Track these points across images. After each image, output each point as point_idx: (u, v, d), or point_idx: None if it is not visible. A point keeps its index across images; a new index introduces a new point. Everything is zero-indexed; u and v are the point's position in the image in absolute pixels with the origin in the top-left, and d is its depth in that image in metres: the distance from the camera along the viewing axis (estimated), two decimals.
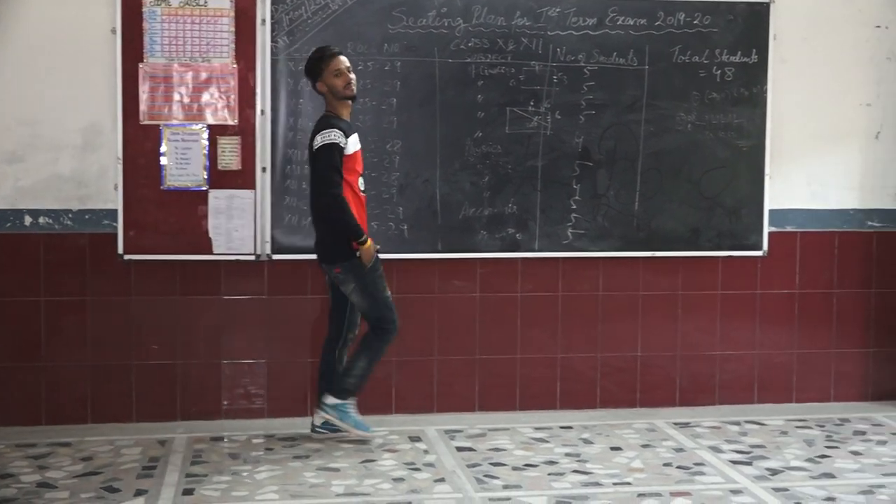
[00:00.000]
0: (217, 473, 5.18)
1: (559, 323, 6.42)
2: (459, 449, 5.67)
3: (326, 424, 5.67)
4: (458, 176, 6.20)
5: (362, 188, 5.62)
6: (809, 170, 6.66)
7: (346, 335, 5.77)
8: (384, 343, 5.68)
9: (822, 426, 6.23)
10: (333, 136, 5.40)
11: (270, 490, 4.94)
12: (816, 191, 6.68)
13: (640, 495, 4.93)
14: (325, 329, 6.17)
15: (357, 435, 5.63)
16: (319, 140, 5.42)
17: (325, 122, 5.50)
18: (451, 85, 6.15)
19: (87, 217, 5.93)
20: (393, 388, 6.31)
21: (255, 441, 5.76)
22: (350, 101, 5.59)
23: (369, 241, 5.48)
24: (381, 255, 6.04)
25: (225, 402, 6.15)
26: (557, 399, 6.47)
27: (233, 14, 5.93)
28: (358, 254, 5.47)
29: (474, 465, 5.37)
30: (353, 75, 5.53)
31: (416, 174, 6.18)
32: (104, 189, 5.93)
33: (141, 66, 5.87)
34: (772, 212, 6.56)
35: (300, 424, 6.04)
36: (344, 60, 5.51)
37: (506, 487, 5.03)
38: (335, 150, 5.40)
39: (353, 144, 5.51)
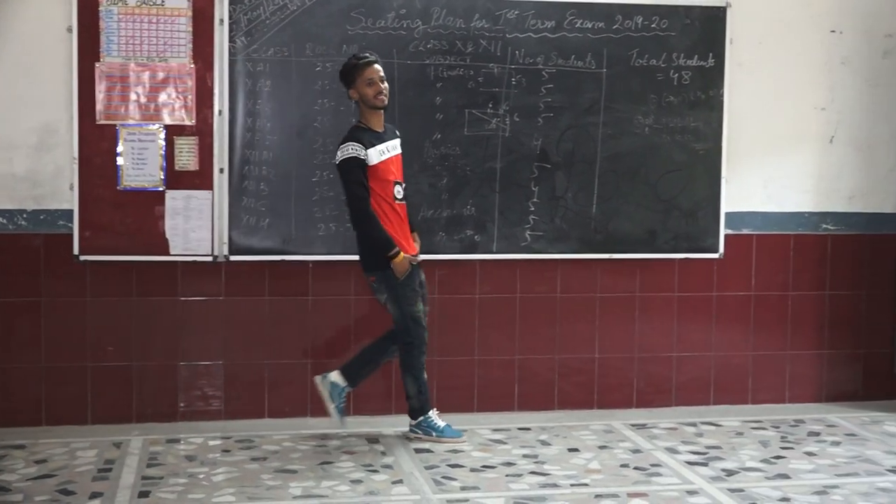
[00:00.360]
0: (173, 476, 5.16)
1: (517, 325, 6.44)
2: (417, 451, 5.67)
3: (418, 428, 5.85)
4: (416, 177, 6.17)
5: (399, 196, 5.62)
6: (765, 173, 6.71)
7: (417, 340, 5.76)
8: (412, 358, 5.71)
9: (777, 427, 6.28)
10: (350, 149, 5.42)
11: (227, 492, 4.92)
12: (772, 194, 6.72)
13: (598, 496, 4.95)
14: (281, 330, 6.24)
15: (450, 443, 5.74)
16: (339, 155, 5.48)
17: (347, 135, 5.54)
18: (410, 86, 6.14)
19: (41, 217, 5.88)
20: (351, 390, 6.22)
21: (211, 443, 5.73)
22: (381, 111, 5.60)
23: (401, 255, 5.48)
24: (342, 257, 6.15)
25: (181, 404, 6.12)
26: (515, 401, 6.48)
27: (190, 14, 5.91)
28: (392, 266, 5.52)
29: (432, 467, 5.37)
30: (385, 85, 5.55)
31: None
32: (59, 189, 5.88)
33: (97, 65, 5.83)
34: (728, 214, 6.59)
35: (257, 426, 6.06)
36: (378, 70, 5.54)
37: (464, 489, 5.03)
38: (353, 164, 5.42)
39: (377, 155, 5.49)
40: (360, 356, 5.83)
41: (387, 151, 5.56)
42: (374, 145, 5.48)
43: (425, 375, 5.77)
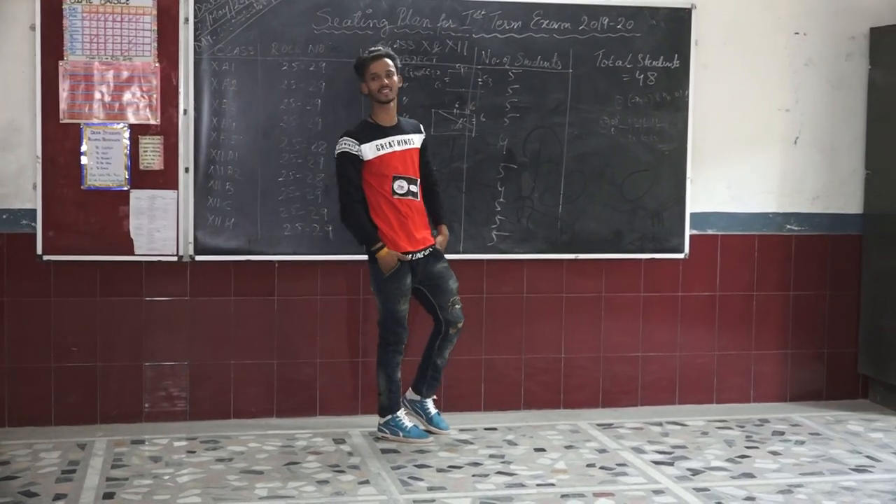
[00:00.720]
0: (138, 477, 5.13)
1: (483, 325, 6.43)
2: (384, 451, 5.66)
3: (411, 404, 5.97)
4: None
5: (400, 192, 5.61)
6: (730, 174, 6.74)
7: (446, 329, 5.82)
8: (387, 355, 5.75)
9: (742, 426, 6.31)
10: (344, 144, 5.54)
11: (193, 493, 4.91)
12: (736, 194, 6.75)
13: (564, 496, 4.96)
14: (247, 330, 6.24)
15: (413, 444, 5.74)
16: (336, 148, 5.61)
17: (349, 129, 5.66)
18: None
19: (4, 217, 5.84)
20: (317, 390, 6.31)
21: (176, 444, 5.70)
22: (388, 105, 5.63)
23: (385, 250, 5.54)
24: (309, 257, 6.18)
25: (146, 405, 6.09)
26: (482, 400, 6.48)
27: (155, 12, 5.88)
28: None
29: (399, 467, 5.37)
30: (391, 80, 5.58)
31: None
32: (22, 188, 5.84)
33: (61, 63, 5.80)
34: (693, 215, 6.61)
35: (223, 427, 6.05)
36: (386, 64, 5.58)
37: (430, 489, 5.05)
38: (345, 158, 5.53)
39: (373, 150, 5.55)
40: (420, 370, 5.93)
41: (388, 146, 5.59)
42: (373, 140, 5.55)
43: (398, 375, 5.79)
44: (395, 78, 5.61)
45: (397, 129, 5.68)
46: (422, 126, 5.88)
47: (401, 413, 5.81)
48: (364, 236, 5.60)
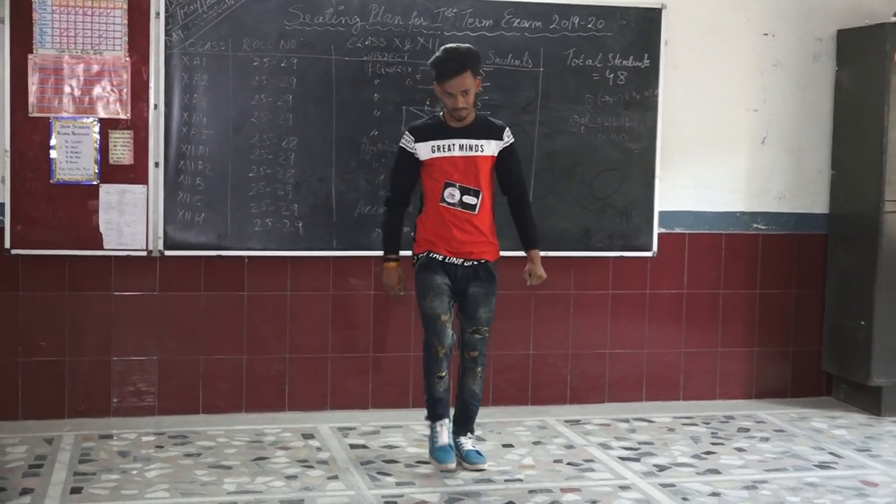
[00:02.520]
0: (106, 472, 5.12)
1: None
2: (353, 446, 5.67)
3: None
4: (353, 174, 6.19)
5: (451, 201, 5.09)
6: (698, 173, 6.78)
7: (461, 354, 5.29)
8: (424, 358, 5.23)
9: (708, 423, 6.37)
10: (403, 138, 5.20)
11: (161, 488, 4.91)
12: (704, 193, 6.79)
13: (531, 491, 4.98)
14: (216, 325, 6.22)
15: (432, 462, 5.25)
16: None
17: (413, 123, 5.40)
18: (348, 83, 6.13)
19: None
20: (286, 385, 6.31)
21: (145, 439, 5.69)
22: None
23: (390, 265, 5.21)
24: (278, 252, 6.14)
25: (114, 400, 6.07)
26: (451, 396, 6.39)
27: (126, 6, 5.86)
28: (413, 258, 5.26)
29: (367, 463, 5.38)
30: (468, 98, 5.05)
31: (312, 171, 6.15)
32: None
33: (30, 56, 5.76)
34: (661, 213, 6.63)
35: (191, 422, 6.05)
36: (462, 82, 4.99)
37: (399, 485, 5.06)
38: (399, 152, 5.21)
39: (428, 150, 5.10)
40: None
41: (446, 150, 5.10)
42: (432, 139, 5.12)
43: (441, 386, 5.23)
44: (472, 92, 5.06)
45: (466, 132, 5.14)
46: (508, 131, 5.27)
47: (440, 425, 5.24)
48: (384, 241, 5.27)
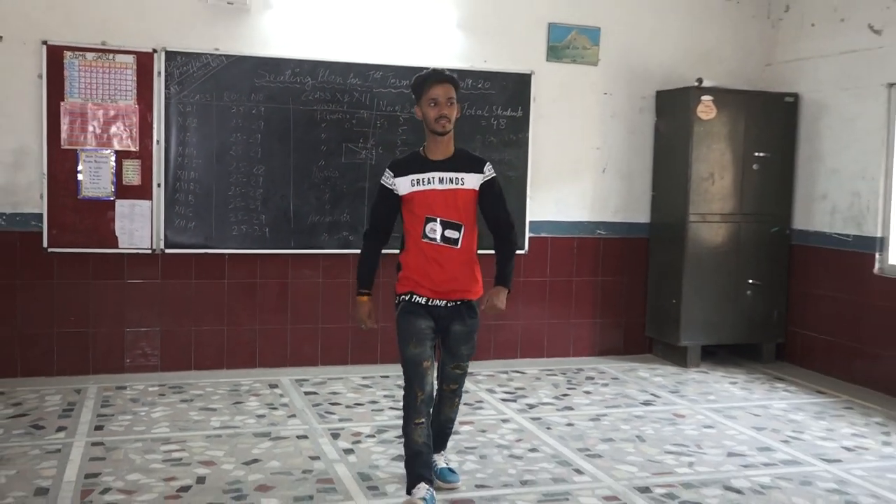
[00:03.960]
0: (122, 413, 5.16)
1: (380, 300, 5.93)
2: (307, 393, 5.72)
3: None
4: (306, 193, 6.22)
5: (431, 236, 3.76)
6: (557, 193, 6.86)
7: (440, 385, 4.06)
8: (404, 406, 3.85)
9: (564, 374, 6.50)
10: (383, 175, 3.86)
11: (163, 425, 4.97)
12: (561, 208, 6.88)
13: None
14: (204, 304, 6.17)
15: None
16: None
17: (393, 159, 4.00)
18: (302, 126, 6.18)
19: (17, 219, 5.81)
20: (256, 348, 6.33)
21: (150, 389, 5.72)
22: (443, 137, 3.78)
23: (361, 299, 3.91)
24: (250, 251, 6.10)
25: (127, 360, 6.10)
26: (378, 355, 6.51)
27: (135, 67, 5.89)
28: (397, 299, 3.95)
29: (317, 405, 5.44)
30: (451, 109, 3.75)
31: (275, 191, 6.18)
32: (32, 198, 5.80)
33: (62, 104, 5.80)
34: (531, 222, 6.76)
35: (185, 376, 6.06)
36: (448, 89, 3.75)
37: (341, 420, 5.14)
38: (379, 189, 3.87)
39: (408, 184, 3.78)
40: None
41: (426, 183, 3.77)
42: (411, 173, 3.79)
43: (417, 439, 3.79)
44: (455, 108, 3.77)
45: (446, 165, 3.79)
46: (489, 166, 3.89)
47: (417, 490, 3.74)
48: (358, 276, 3.95)
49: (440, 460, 4.16)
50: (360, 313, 3.92)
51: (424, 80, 3.76)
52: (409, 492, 3.79)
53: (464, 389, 4.16)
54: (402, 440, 3.90)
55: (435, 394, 4.01)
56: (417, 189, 3.76)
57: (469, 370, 4.17)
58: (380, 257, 3.96)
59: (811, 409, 5.77)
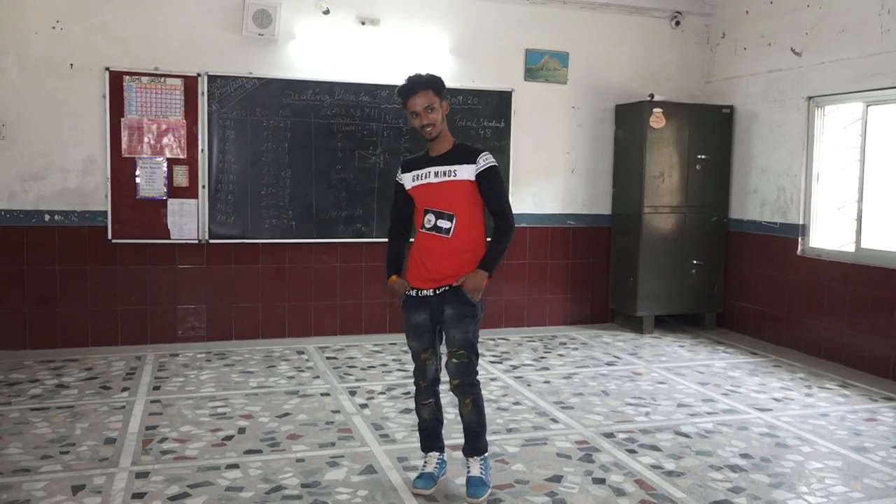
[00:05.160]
0: (175, 376, 5.18)
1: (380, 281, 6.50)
2: (328, 358, 5.71)
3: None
4: (326, 192, 6.18)
5: (427, 226, 3.37)
6: (534, 190, 6.83)
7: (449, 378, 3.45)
8: (414, 385, 3.53)
9: (541, 340, 6.49)
10: (397, 174, 3.51)
11: (210, 385, 4.99)
12: (538, 203, 6.86)
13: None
14: (242, 285, 6.13)
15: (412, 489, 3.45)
16: None
17: (405, 157, 3.68)
18: (321, 136, 6.15)
19: (87, 216, 5.81)
20: (286, 321, 6.29)
21: (198, 356, 5.73)
22: (432, 140, 3.40)
23: (392, 279, 3.43)
24: (279, 241, 6.06)
25: (179, 332, 6.09)
26: (387, 326, 6.50)
27: (182, 88, 5.87)
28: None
29: (337, 368, 5.44)
30: (432, 115, 3.32)
31: (300, 190, 6.14)
32: (98, 198, 5.80)
33: (122, 119, 5.78)
34: (516, 214, 6.69)
35: (228, 345, 6.04)
36: (421, 100, 3.31)
37: (357, 380, 5.15)
38: (394, 186, 3.51)
39: (410, 179, 3.42)
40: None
41: (423, 178, 3.40)
42: (413, 170, 3.43)
43: (425, 414, 3.50)
44: (438, 111, 3.34)
45: (442, 160, 3.38)
46: (484, 156, 3.38)
47: (427, 457, 3.53)
48: (387, 266, 3.50)
49: (474, 467, 3.44)
50: (395, 290, 3.43)
51: (401, 93, 3.37)
52: (423, 450, 3.57)
53: (473, 385, 3.38)
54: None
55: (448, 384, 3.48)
56: (417, 184, 3.41)
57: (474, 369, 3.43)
58: (404, 247, 3.52)
59: (746, 368, 5.78)
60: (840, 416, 4.63)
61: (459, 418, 3.47)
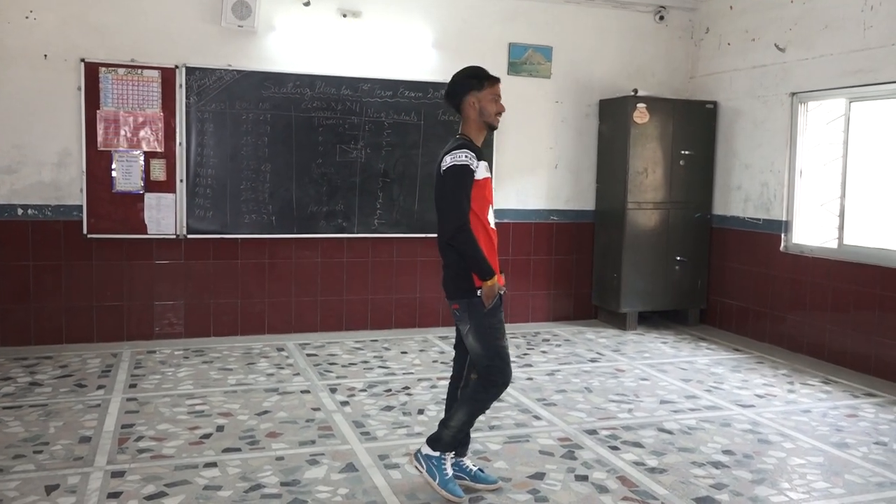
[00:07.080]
0: (152, 374, 5.15)
1: (369, 277, 6.47)
2: (308, 355, 5.70)
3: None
4: (307, 186, 6.16)
5: (492, 222, 3.21)
6: (518, 185, 6.85)
7: (467, 375, 3.38)
8: (490, 396, 3.22)
9: (524, 336, 6.49)
10: (464, 157, 3.06)
11: (188, 383, 4.97)
12: (522, 198, 6.87)
13: (419, 379, 5.12)
14: (221, 281, 6.10)
15: (442, 495, 3.25)
16: (449, 160, 3.08)
17: (457, 144, 3.15)
18: (302, 130, 6.11)
19: (61, 210, 5.75)
20: (266, 317, 6.28)
21: (176, 353, 5.70)
22: (492, 131, 3.28)
23: (493, 280, 3.13)
24: (259, 235, 6.04)
25: (156, 328, 6.05)
26: (368, 323, 6.51)
27: (160, 80, 5.82)
28: (479, 292, 3.14)
29: (318, 365, 5.44)
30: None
31: (280, 185, 6.11)
32: (73, 192, 5.74)
33: (98, 112, 5.73)
34: (496, 210, 6.51)
35: (206, 341, 6.01)
36: (500, 88, 3.26)
37: (338, 377, 5.14)
38: (466, 172, 3.05)
39: (483, 169, 3.11)
40: (443, 419, 3.34)
41: (487, 171, 3.15)
42: (482, 159, 3.14)
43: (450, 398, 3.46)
44: None
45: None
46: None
47: (448, 458, 3.33)
48: (483, 265, 3.10)
49: (471, 464, 3.46)
50: (496, 291, 3.14)
51: (488, 75, 3.18)
52: (444, 451, 3.34)
53: (473, 390, 3.25)
54: (466, 412, 3.28)
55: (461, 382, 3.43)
56: (487, 175, 3.13)
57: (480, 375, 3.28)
58: None
59: (729, 364, 5.81)
60: (822, 413, 4.68)
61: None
